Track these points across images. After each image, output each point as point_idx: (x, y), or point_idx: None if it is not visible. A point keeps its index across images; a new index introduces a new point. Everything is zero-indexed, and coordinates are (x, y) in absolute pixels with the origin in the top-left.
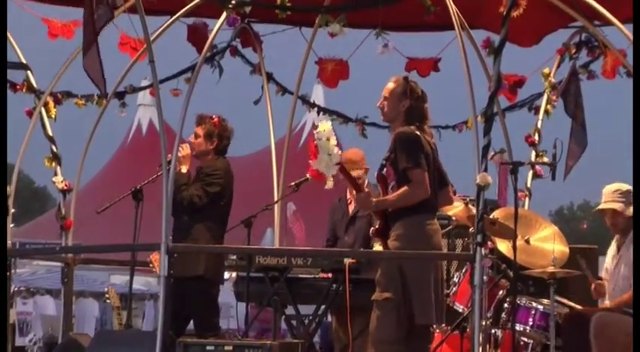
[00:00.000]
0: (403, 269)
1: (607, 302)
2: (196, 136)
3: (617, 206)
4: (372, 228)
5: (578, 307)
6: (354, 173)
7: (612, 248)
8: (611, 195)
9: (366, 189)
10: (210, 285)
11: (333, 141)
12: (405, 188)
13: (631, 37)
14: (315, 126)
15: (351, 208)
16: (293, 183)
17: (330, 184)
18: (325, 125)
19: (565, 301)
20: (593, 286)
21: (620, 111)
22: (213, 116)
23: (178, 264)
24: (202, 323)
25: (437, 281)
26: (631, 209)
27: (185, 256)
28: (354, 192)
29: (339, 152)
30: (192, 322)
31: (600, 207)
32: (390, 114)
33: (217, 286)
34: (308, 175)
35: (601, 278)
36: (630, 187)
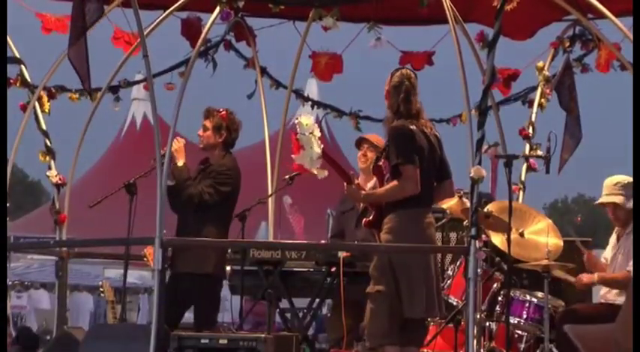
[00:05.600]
0: (393, 262)
1: (595, 275)
2: (205, 129)
3: (618, 199)
4: (364, 219)
5: (572, 278)
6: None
7: (613, 237)
8: (611, 188)
9: (357, 181)
10: (216, 282)
11: (317, 134)
12: (394, 182)
13: (625, 30)
14: (297, 120)
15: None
16: (287, 176)
17: (324, 173)
18: (307, 119)
19: (562, 276)
20: (585, 256)
21: (615, 104)
22: (221, 109)
23: (188, 261)
24: (204, 318)
25: (431, 274)
26: (632, 202)
27: (195, 253)
28: (345, 183)
29: (322, 146)
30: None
31: (601, 200)
32: (389, 107)
33: (222, 283)
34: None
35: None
36: (631, 179)
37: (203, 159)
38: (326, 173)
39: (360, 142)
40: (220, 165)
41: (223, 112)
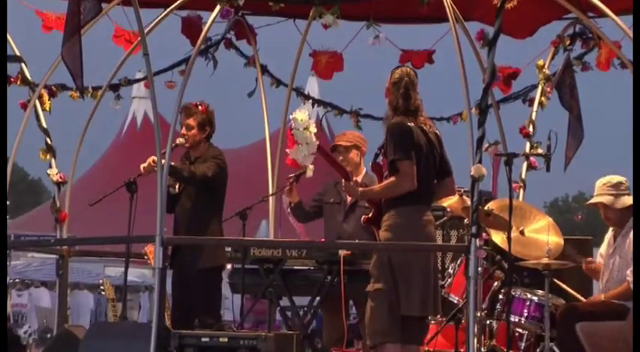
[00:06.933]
0: (392, 259)
1: (601, 296)
2: (189, 128)
3: (606, 199)
4: (363, 216)
5: (573, 292)
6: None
7: (609, 235)
8: (600, 189)
9: (356, 178)
10: (221, 274)
11: (312, 129)
12: (391, 179)
13: (625, 29)
14: (292, 116)
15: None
16: (292, 175)
17: (309, 172)
18: (302, 114)
19: (562, 285)
20: (584, 266)
21: (615, 103)
22: (197, 104)
23: (209, 255)
24: (212, 312)
25: (429, 271)
26: (621, 200)
27: (213, 247)
28: (343, 179)
29: (317, 142)
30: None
31: (589, 201)
32: (389, 104)
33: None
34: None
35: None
36: (621, 178)
37: (184, 155)
38: (311, 173)
39: (333, 151)
40: (212, 155)
41: (202, 107)
